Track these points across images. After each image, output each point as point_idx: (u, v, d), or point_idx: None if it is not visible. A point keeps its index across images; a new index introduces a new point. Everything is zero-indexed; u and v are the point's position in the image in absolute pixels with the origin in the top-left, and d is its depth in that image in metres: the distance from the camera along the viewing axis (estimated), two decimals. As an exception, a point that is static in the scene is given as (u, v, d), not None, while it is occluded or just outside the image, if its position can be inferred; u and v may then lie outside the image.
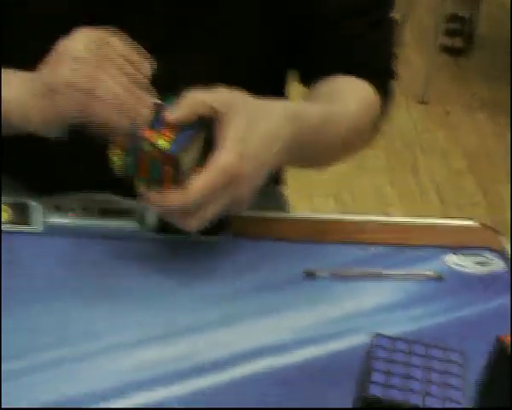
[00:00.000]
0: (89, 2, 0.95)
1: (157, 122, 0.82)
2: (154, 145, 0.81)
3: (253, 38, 1.00)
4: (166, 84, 0.83)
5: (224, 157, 0.81)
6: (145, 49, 0.86)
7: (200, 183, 0.81)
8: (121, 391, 0.78)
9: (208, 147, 0.83)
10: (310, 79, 1.07)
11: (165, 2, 0.96)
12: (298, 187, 2.66)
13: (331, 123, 0.98)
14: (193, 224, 0.84)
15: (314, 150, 0.99)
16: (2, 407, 0.73)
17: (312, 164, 1.10)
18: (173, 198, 0.82)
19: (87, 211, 0.96)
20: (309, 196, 2.67)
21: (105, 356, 0.81)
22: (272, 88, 0.95)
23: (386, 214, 2.60)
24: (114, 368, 0.80)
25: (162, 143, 0.81)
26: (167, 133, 0.82)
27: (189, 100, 0.84)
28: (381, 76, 1.08)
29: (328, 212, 2.58)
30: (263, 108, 0.87)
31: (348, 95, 1.04)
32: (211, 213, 0.83)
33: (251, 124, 0.84)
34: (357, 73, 1.05)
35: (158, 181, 0.82)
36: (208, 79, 0.86)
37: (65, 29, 0.90)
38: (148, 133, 0.81)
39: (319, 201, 2.66)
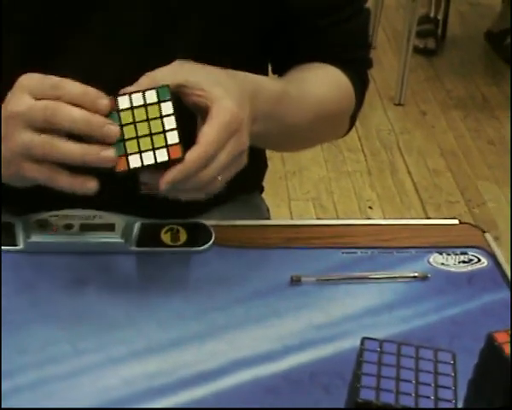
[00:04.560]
0: None
1: None
2: None
3: (230, 25, 0.98)
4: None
5: (223, 107, 0.80)
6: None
7: (209, 135, 0.79)
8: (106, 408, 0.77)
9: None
10: (283, 68, 1.05)
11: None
12: (276, 192, 2.67)
13: (296, 99, 0.96)
14: (210, 186, 0.82)
15: (277, 125, 0.96)
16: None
17: (280, 143, 1.08)
18: (190, 158, 0.79)
19: (69, 227, 0.95)
20: (287, 201, 2.67)
21: (90, 374, 0.80)
22: None
23: (367, 216, 2.61)
24: (100, 386, 0.79)
25: None
26: None
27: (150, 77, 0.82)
28: (357, 65, 1.08)
29: (308, 217, 2.59)
30: (227, 74, 0.86)
31: (319, 79, 1.03)
32: (222, 167, 0.81)
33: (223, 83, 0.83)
34: (332, 62, 1.04)
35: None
36: None
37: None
38: None
39: (298, 205, 2.66)
